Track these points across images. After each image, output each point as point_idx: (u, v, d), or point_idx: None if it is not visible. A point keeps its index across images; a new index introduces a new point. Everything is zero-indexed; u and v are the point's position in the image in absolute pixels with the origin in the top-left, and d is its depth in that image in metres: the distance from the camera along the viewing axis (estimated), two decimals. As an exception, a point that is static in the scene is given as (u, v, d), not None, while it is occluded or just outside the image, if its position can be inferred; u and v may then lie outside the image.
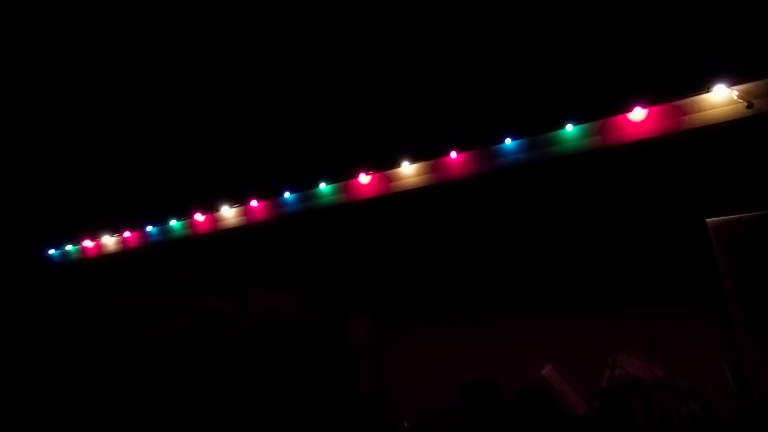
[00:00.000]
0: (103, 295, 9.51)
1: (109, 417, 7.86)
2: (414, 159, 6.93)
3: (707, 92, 5.25)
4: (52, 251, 9.93)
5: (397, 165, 7.10)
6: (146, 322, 9.19)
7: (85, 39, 8.43)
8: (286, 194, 7.88)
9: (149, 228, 9.10)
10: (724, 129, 5.29)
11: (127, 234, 9.35)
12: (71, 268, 9.74)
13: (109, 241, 9.52)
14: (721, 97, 5.22)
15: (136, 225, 9.32)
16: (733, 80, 5.19)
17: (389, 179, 7.22)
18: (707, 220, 5.44)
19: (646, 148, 5.73)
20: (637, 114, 5.68)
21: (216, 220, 8.61)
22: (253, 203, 8.23)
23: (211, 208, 8.54)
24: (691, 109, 5.47)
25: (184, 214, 8.89)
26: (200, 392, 7.81)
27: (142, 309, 9.13)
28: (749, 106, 4.94)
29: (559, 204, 6.68)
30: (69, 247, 9.93)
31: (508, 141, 6.27)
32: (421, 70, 7.56)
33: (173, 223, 8.93)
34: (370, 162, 7.25)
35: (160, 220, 9.06)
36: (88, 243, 9.68)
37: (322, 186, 7.65)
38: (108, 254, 9.53)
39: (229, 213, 8.44)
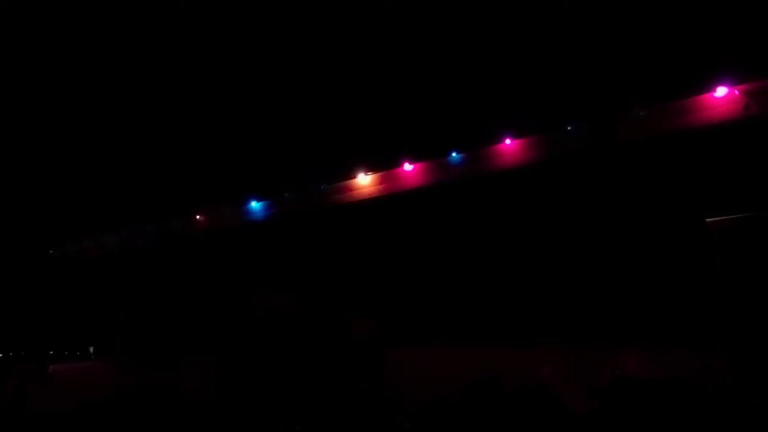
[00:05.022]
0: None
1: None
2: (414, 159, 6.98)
3: (707, 93, 5.30)
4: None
5: (399, 165, 7.17)
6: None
7: (89, 43, 8.45)
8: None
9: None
10: (724, 129, 5.33)
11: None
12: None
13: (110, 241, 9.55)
14: (721, 98, 5.27)
15: (135, 224, 9.35)
16: (734, 81, 5.23)
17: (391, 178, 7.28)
18: (707, 220, 5.46)
19: (646, 147, 5.79)
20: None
21: (216, 221, 8.65)
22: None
23: (211, 208, 8.58)
24: (691, 109, 5.51)
25: (185, 214, 8.94)
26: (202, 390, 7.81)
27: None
28: (747, 107, 4.97)
29: (561, 204, 6.71)
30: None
31: (507, 141, 6.33)
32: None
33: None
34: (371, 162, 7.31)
35: (160, 220, 9.10)
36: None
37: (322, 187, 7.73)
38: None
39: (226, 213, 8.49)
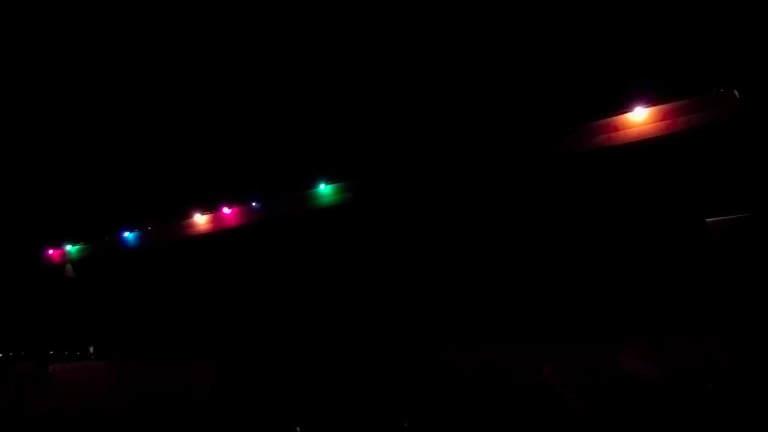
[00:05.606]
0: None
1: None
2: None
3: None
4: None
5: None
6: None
7: (92, 49, 8.48)
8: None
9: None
10: (724, 129, 5.34)
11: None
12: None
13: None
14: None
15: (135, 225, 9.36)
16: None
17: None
18: (707, 220, 5.46)
19: (647, 148, 5.81)
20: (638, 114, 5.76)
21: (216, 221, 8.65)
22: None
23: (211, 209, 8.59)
24: (689, 111, 5.53)
25: (183, 214, 8.94)
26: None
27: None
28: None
29: (562, 205, 6.73)
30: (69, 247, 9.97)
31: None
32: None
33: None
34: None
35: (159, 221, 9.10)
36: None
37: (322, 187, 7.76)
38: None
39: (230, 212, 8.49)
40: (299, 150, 8.40)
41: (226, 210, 8.43)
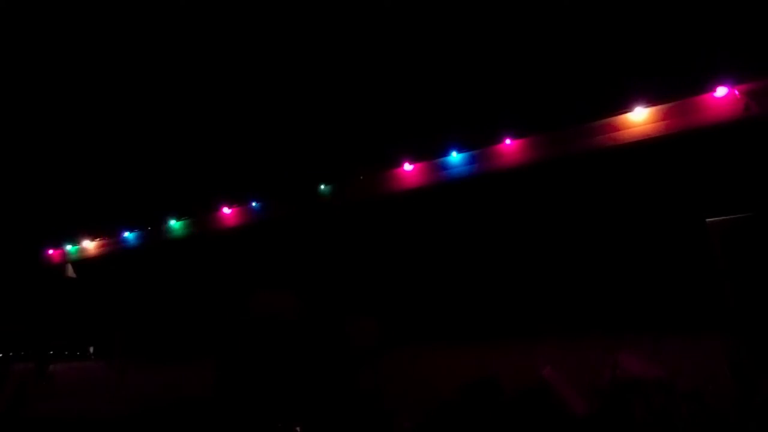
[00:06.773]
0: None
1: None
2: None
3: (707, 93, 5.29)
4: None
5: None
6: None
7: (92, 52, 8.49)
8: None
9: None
10: (725, 129, 5.35)
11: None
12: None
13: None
14: (720, 98, 5.28)
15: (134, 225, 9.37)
16: (734, 81, 5.24)
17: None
18: (707, 220, 5.46)
19: (650, 148, 5.82)
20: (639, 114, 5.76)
21: (216, 221, 8.65)
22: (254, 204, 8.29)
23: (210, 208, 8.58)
24: (690, 110, 5.53)
25: (185, 214, 8.95)
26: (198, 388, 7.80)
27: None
28: (747, 108, 4.98)
29: (562, 203, 6.73)
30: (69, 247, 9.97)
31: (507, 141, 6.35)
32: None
33: (173, 222, 8.97)
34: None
35: (159, 221, 9.11)
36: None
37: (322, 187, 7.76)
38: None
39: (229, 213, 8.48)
40: (299, 153, 8.41)
41: (225, 210, 8.46)
